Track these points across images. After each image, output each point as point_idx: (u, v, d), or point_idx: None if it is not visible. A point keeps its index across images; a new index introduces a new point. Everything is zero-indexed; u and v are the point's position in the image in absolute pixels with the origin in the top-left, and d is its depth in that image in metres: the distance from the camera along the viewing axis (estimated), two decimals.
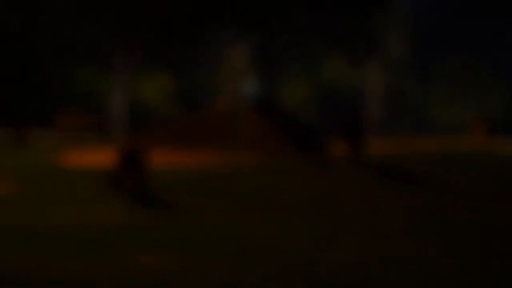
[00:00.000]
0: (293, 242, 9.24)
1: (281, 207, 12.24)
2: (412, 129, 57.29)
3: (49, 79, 61.21)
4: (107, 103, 59.76)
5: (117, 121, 58.60)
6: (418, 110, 56.78)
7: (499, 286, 6.43)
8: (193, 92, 63.33)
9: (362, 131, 18.38)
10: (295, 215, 11.49)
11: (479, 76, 59.29)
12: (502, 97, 59.26)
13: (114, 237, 9.31)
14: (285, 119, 23.22)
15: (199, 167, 17.45)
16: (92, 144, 26.51)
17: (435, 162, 18.04)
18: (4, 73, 56.02)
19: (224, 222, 10.68)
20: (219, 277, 7.27)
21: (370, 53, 53.43)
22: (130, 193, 12.93)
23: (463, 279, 6.80)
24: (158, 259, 8.02)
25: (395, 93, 57.58)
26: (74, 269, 7.50)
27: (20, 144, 30.07)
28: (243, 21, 51.19)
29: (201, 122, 22.93)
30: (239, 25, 53.47)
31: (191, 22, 54.25)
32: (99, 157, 17.82)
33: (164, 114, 61.88)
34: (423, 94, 57.92)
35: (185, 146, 21.87)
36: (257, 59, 56.51)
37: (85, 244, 8.79)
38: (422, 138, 33.01)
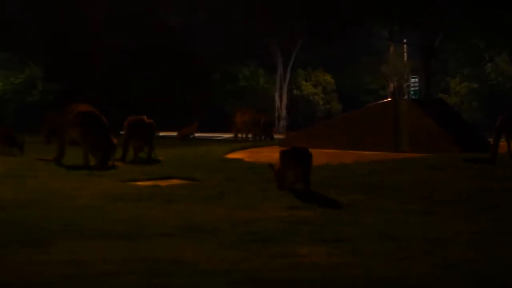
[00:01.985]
0: (452, 238, 9.10)
1: (440, 202, 12.07)
2: None
3: (208, 76, 62.40)
4: (267, 101, 60.27)
5: (278, 119, 59.09)
6: None
7: None
8: (352, 89, 63.04)
9: None
10: (455, 211, 11.29)
11: None
12: None
13: (274, 231, 9.44)
14: (448, 116, 22.81)
15: (356, 163, 17.43)
16: (259, 142, 26.98)
17: None
18: (166, 72, 57.44)
19: (382, 217, 10.65)
20: (380, 272, 7.29)
21: None
22: (292, 189, 13.06)
23: None
24: (317, 254, 8.12)
25: None
26: (238, 261, 7.69)
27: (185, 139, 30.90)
28: (404, 16, 50.50)
29: (361, 119, 22.85)
30: (399, 21, 52.80)
31: (351, 18, 53.98)
32: (266, 154, 18.10)
33: (324, 112, 61.85)
34: None
35: (343, 144, 21.88)
36: (418, 55, 55.65)
37: (247, 237, 8.96)
38: None
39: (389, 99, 31.40)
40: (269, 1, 55.31)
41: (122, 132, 20.87)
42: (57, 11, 58.19)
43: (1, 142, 22.07)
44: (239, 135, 31.98)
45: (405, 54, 61.43)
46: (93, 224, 9.75)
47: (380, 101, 24.91)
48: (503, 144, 18.04)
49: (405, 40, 59.13)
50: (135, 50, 58.32)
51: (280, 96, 61.53)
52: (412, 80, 57.96)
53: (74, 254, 7.94)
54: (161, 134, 28.92)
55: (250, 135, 31.56)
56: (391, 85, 59.71)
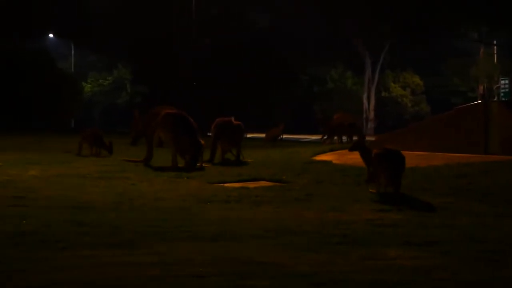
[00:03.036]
0: None
1: None
2: None
3: (296, 78, 62.46)
4: (355, 102, 60.00)
5: (366, 121, 58.80)
6: None
7: None
8: (441, 91, 62.21)
9: None
10: None
11: None
12: None
13: (362, 233, 9.35)
14: None
15: (446, 165, 17.15)
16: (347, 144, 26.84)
17: None
18: (254, 73, 57.67)
19: (472, 220, 10.44)
20: (469, 276, 7.19)
21: None
22: (381, 192, 12.93)
23: None
24: (406, 257, 8.00)
25: None
26: (325, 263, 7.63)
27: (273, 141, 30.93)
28: (494, 17, 49.63)
29: (450, 121, 22.50)
30: (489, 22, 51.93)
31: (438, 20, 53.35)
32: (354, 156, 17.95)
33: (412, 114, 61.25)
34: None
35: (432, 146, 21.59)
36: (508, 56, 54.65)
37: (335, 239, 8.89)
38: None
39: (479, 101, 30.82)
40: (358, 3, 55.11)
41: (210, 134, 20.99)
42: (145, 13, 59.14)
43: (90, 143, 22.49)
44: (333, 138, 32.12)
45: (495, 55, 60.35)
46: (182, 225, 9.79)
47: (470, 103, 24.44)
48: None
49: (495, 42, 58.08)
50: (223, 52, 58.79)
51: (368, 98, 61.21)
52: (502, 81, 56.80)
53: (162, 255, 7.97)
54: (249, 135, 29.02)
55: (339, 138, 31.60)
56: (481, 87, 58.77)
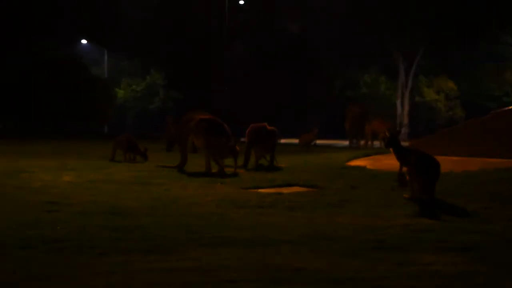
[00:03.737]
0: None
1: None
2: None
3: (330, 83, 62.46)
4: (389, 107, 59.77)
5: (400, 126, 58.55)
6: None
7: None
8: (476, 96, 61.75)
9: None
10: None
11: None
12: None
13: (397, 239, 9.31)
14: None
15: (482, 170, 17.01)
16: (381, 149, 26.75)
17: None
18: (286, 79, 57.77)
19: (510, 226, 10.37)
20: (506, 282, 7.12)
21: None
22: (414, 197, 12.84)
23: None
24: (443, 262, 7.95)
25: None
26: (361, 269, 7.61)
27: (307, 146, 30.94)
28: None
29: (486, 126, 22.32)
30: None
31: (471, 23, 53.03)
32: (389, 162, 17.90)
33: (446, 119, 60.86)
34: None
35: (468, 151, 21.43)
36: None
37: (370, 244, 8.88)
38: None
39: None
40: (393, 9, 54.96)
41: (243, 139, 21.00)
42: (178, 19, 59.41)
43: (125, 149, 22.60)
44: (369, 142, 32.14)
45: None
46: (216, 231, 9.80)
47: (506, 108, 24.22)
48: None
49: None
50: (256, 57, 58.96)
51: (402, 103, 60.91)
52: None
53: (197, 261, 7.99)
54: (282, 141, 29.02)
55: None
56: None
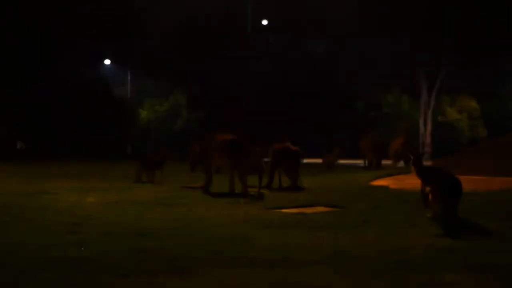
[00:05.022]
0: None
1: None
2: None
3: (353, 103, 62.54)
4: (412, 127, 59.53)
5: (423, 145, 58.33)
6: None
7: None
8: (498, 115, 61.45)
9: None
10: None
11: None
12: None
13: (421, 259, 9.31)
14: None
15: (504, 190, 16.96)
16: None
17: None
18: (310, 99, 57.91)
19: None
20: None
21: None
22: (437, 216, 12.81)
23: None
24: (466, 282, 7.95)
25: None
26: None
27: (331, 168, 30.94)
28: None
29: (510, 145, 22.26)
30: None
31: (495, 41, 52.92)
32: (411, 181, 17.90)
33: (469, 138, 60.60)
34: None
35: (491, 171, 21.36)
36: None
37: (394, 265, 8.88)
38: None
39: None
40: (414, 28, 54.97)
41: (267, 160, 21.07)
42: (202, 39, 59.65)
43: (148, 169, 22.70)
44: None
45: None
46: (240, 251, 9.84)
47: None
48: None
49: None
50: (281, 78, 59.14)
51: (425, 123, 60.72)
52: None
53: (220, 282, 8.03)
54: (306, 161, 29.02)
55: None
56: None
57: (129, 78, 69.72)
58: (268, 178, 20.34)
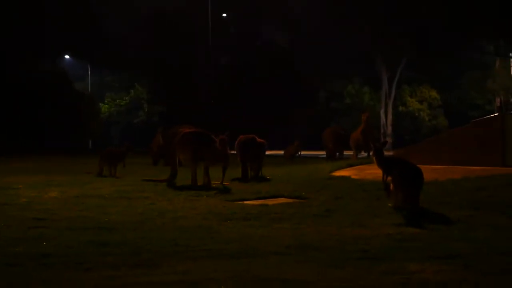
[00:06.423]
0: None
1: None
2: None
3: (314, 95, 62.71)
4: (373, 118, 59.90)
5: (384, 136, 58.67)
6: None
7: None
8: (458, 104, 61.99)
9: None
10: None
11: None
12: None
13: (383, 248, 9.35)
14: None
15: (465, 179, 17.09)
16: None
17: None
18: (272, 91, 57.93)
19: (493, 233, 10.44)
20: None
21: None
22: (398, 206, 12.90)
23: None
24: (428, 270, 7.99)
25: None
26: (348, 279, 7.65)
27: (292, 158, 30.97)
28: (509, 31, 49.51)
29: (468, 134, 22.44)
30: (506, 35, 51.81)
31: (453, 32, 53.33)
32: (373, 171, 18.00)
33: (430, 128, 61.08)
34: None
35: (450, 160, 21.55)
36: None
37: (357, 254, 8.91)
38: None
39: (496, 114, 30.71)
40: (374, 19, 55.23)
41: (233, 152, 21.05)
42: (161, 33, 59.41)
43: (108, 163, 22.57)
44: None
45: None
46: (202, 244, 9.83)
47: (487, 116, 24.37)
48: None
49: (511, 55, 57.87)
50: (241, 70, 59.09)
51: (386, 113, 61.11)
52: None
53: (184, 274, 8.00)
54: (268, 153, 29.09)
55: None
56: (498, 100, 58.50)
57: (89, 72, 69.31)
58: (242, 171, 20.44)
